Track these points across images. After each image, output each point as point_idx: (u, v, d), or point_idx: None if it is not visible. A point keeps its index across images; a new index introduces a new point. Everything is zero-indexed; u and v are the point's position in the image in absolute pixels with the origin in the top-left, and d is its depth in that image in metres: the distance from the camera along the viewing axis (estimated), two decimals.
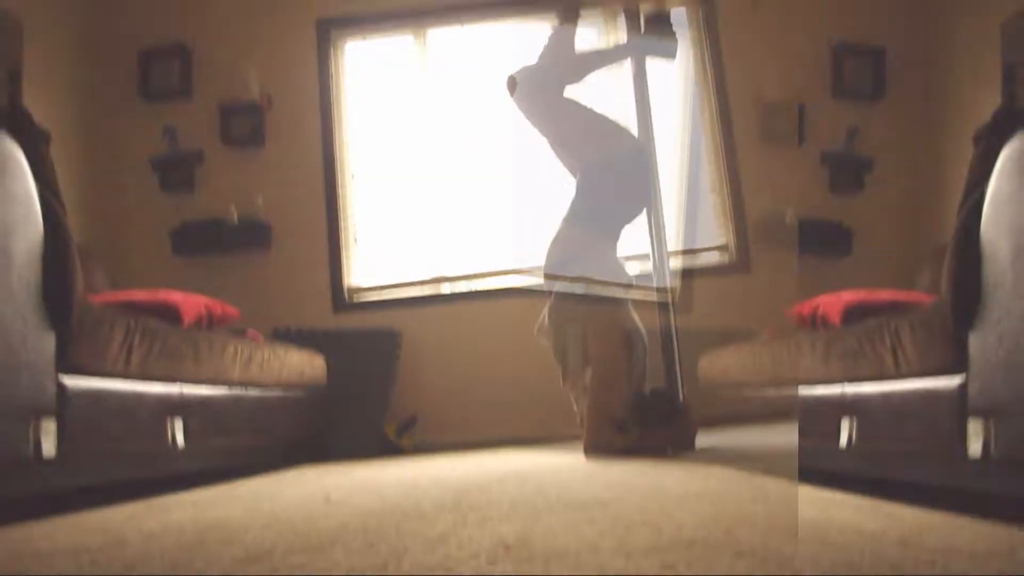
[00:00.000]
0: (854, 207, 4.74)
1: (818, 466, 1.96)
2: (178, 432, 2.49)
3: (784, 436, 2.18)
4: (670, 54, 3.57)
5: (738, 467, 2.29)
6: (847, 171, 4.73)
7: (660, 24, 3.54)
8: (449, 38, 5.08)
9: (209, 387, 2.76)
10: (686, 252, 4.77)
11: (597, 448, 2.92)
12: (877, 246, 4.66)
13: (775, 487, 1.72)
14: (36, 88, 3.99)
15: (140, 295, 2.80)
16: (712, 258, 4.83)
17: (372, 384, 4.32)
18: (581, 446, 3.01)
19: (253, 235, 4.71)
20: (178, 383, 2.53)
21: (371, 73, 5.09)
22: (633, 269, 3.33)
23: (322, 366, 3.98)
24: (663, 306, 3.20)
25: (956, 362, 1.45)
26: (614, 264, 3.14)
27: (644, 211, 3.24)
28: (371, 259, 4.91)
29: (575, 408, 3.16)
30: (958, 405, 1.44)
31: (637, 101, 3.47)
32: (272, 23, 4.96)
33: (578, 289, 3.04)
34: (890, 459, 1.73)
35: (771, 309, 4.27)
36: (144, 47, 4.86)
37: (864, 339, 1.83)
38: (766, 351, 2.85)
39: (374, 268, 4.90)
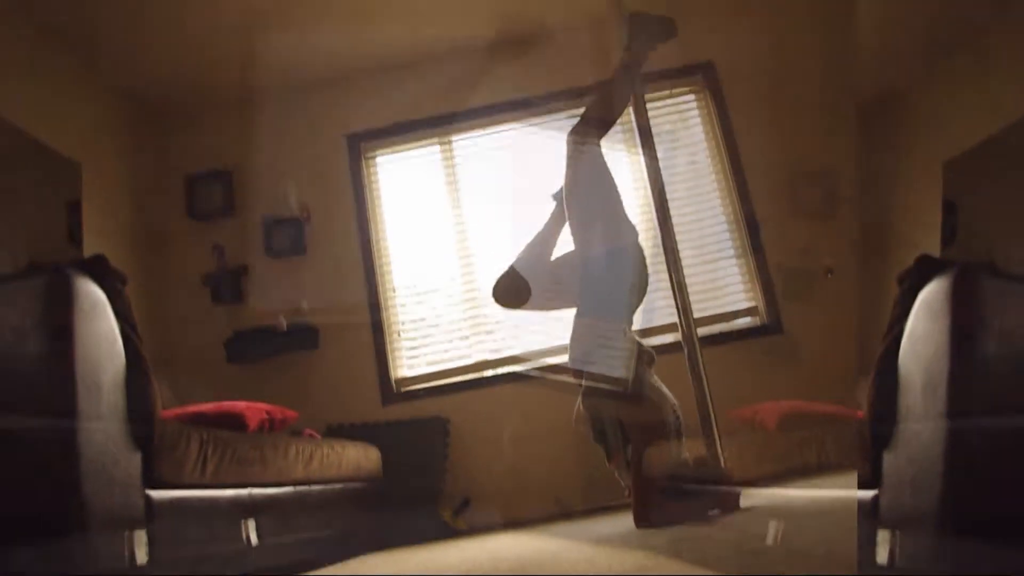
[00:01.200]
0: (805, 313, 4.87)
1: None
2: (252, 532, 2.66)
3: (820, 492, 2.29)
4: (671, 33, 3.45)
5: (773, 527, 2.41)
6: (800, 281, 4.91)
7: (643, 18, 3.41)
8: (473, 143, 5.35)
9: (276, 487, 2.93)
10: (716, 319, 4.93)
11: (646, 518, 3.02)
12: (823, 352, 4.72)
13: (803, 546, 1.86)
14: (95, 218, 4.34)
15: (207, 407, 3.00)
16: (744, 322, 4.97)
17: (425, 471, 4.46)
18: (631, 515, 3.12)
19: (302, 338, 4.93)
20: (248, 487, 2.72)
21: (403, 180, 5.37)
22: None
23: (377, 457, 4.14)
24: (696, 375, 3.33)
25: (871, 477, 1.58)
26: (631, 344, 3.24)
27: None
28: (416, 351, 5.08)
29: (622, 484, 3.27)
30: (871, 516, 1.56)
31: (641, 137, 3.32)
32: (305, 141, 5.30)
33: (603, 378, 3.17)
34: (813, 560, 1.85)
35: (808, 367, 4.40)
36: (189, 173, 5.23)
37: (795, 447, 1.95)
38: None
39: (419, 359, 5.07)
